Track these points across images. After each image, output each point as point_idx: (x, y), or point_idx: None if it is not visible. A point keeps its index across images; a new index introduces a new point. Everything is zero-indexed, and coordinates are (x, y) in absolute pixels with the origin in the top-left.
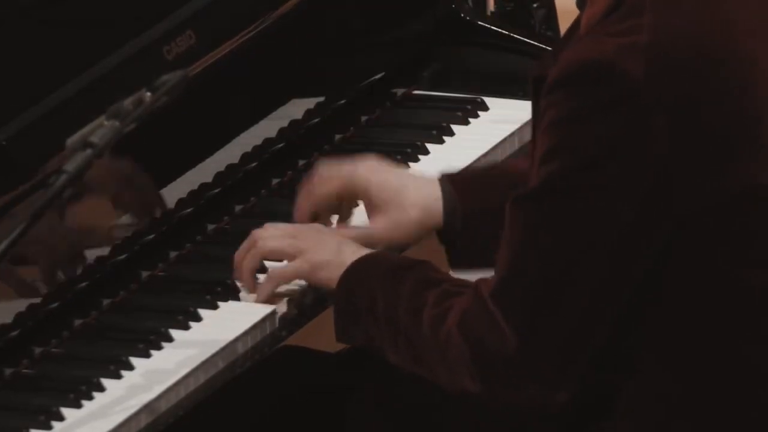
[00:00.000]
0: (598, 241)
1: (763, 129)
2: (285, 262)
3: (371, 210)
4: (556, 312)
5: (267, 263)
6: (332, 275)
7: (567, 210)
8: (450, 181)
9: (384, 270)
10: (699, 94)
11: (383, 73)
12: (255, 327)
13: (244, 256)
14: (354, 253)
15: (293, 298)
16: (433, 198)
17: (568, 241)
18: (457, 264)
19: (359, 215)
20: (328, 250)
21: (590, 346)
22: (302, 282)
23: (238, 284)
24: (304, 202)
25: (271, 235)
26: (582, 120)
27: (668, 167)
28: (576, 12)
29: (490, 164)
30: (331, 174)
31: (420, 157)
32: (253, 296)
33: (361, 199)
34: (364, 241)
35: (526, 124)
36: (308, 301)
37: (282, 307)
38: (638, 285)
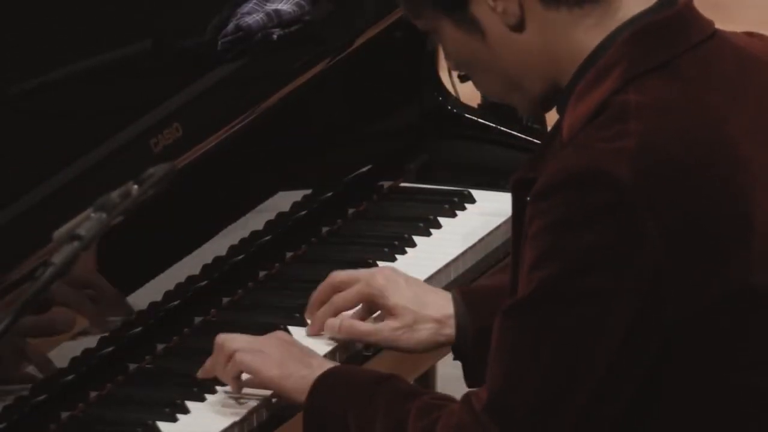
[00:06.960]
0: (594, 349)
1: (754, 230)
2: None
3: (387, 317)
4: (555, 425)
5: None
6: (298, 388)
7: (560, 318)
8: (462, 297)
9: (354, 385)
10: (689, 197)
11: (370, 166)
12: (244, 419)
13: (220, 371)
14: (320, 365)
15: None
16: (447, 314)
17: (563, 350)
18: (472, 378)
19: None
20: (294, 361)
21: None
22: None
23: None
24: (324, 309)
25: (246, 349)
26: (573, 226)
27: (661, 271)
28: None
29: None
30: (349, 281)
31: (407, 249)
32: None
33: (378, 307)
34: (370, 336)
35: None
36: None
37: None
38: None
